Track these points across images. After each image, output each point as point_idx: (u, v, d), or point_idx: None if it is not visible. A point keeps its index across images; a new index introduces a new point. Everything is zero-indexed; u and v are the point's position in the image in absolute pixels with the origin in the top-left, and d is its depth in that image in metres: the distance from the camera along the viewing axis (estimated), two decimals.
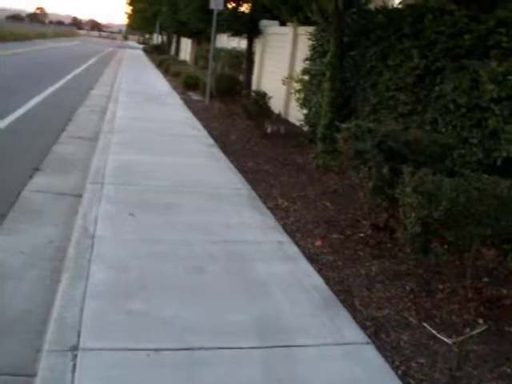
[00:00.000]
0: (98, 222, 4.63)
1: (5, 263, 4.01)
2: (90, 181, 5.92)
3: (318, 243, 4.79)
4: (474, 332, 3.47)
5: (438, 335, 3.42)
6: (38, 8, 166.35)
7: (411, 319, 3.64)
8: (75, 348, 2.84)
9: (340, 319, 3.47)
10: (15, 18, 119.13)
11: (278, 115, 10.39)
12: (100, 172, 6.21)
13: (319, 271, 4.18)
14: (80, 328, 3.02)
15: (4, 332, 3.18)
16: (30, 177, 6.21)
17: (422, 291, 4.03)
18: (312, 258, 4.43)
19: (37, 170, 6.53)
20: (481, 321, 3.64)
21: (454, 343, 3.32)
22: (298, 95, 9.90)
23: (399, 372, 3.03)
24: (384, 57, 7.01)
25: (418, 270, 4.37)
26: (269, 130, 10.00)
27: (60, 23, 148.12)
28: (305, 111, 9.54)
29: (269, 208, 5.58)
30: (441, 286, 4.10)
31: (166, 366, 2.81)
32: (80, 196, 5.53)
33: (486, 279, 4.27)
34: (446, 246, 4.00)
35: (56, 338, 2.93)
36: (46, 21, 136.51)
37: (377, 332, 3.43)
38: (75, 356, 2.78)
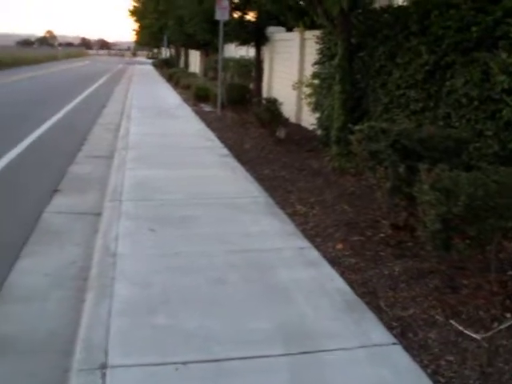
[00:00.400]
0: (119, 240, 4.66)
1: (30, 285, 4.07)
2: (108, 199, 5.98)
3: (339, 246, 4.78)
4: (503, 326, 3.43)
5: (466, 331, 3.39)
6: (47, 32, 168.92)
7: (437, 317, 3.61)
8: (104, 366, 2.86)
9: (366, 321, 3.45)
10: (25, 42, 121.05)
11: (287, 120, 10.40)
12: (117, 189, 6.26)
13: (342, 274, 4.17)
14: (107, 346, 3.04)
15: (32, 353, 3.22)
16: (50, 198, 6.29)
17: (447, 288, 4.00)
18: (334, 262, 4.42)
19: (56, 191, 6.61)
20: (508, 315, 3.60)
21: (482, 339, 3.28)
22: (309, 99, 9.90)
23: (428, 371, 3.00)
24: (392, 56, 7.00)
25: (441, 266, 4.33)
26: (282, 135, 10.00)
27: (69, 44, 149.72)
28: (317, 115, 9.53)
29: (287, 214, 5.57)
30: (465, 282, 4.06)
31: (194, 378, 2.81)
32: (99, 214, 5.58)
33: (510, 272, 4.22)
34: (467, 241, 3.96)
35: (84, 357, 2.95)
36: (56, 43, 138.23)
37: (403, 332, 3.41)
38: (104, 374, 2.80)
